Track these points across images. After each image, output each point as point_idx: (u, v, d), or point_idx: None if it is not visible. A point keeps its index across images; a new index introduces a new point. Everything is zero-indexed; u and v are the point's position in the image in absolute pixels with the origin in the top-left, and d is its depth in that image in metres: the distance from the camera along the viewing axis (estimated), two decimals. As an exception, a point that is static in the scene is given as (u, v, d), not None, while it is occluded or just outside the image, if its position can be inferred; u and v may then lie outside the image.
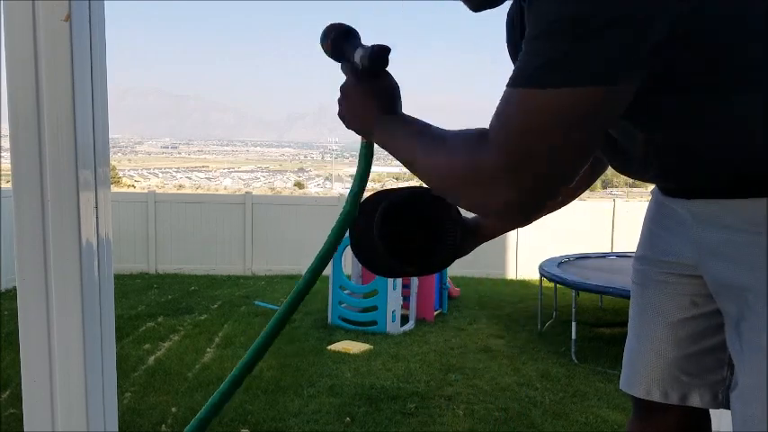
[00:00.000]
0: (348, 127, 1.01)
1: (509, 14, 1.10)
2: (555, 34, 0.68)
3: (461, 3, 0.91)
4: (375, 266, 1.16)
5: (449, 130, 0.85)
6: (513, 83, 0.72)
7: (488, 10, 0.92)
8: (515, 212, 0.79)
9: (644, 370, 1.17)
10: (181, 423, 3.41)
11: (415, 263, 1.13)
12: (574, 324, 4.95)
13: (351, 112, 0.99)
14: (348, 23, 1.00)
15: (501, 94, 0.76)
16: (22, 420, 1.41)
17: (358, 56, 0.94)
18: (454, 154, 0.81)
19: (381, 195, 1.11)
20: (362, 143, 1.02)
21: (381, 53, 0.92)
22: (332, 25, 1.01)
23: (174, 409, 3.61)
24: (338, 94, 1.01)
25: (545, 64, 0.69)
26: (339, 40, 0.99)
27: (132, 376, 4.23)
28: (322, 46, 1.01)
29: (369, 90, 0.96)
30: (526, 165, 0.73)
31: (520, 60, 0.72)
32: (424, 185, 1.02)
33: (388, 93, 0.97)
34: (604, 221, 10.32)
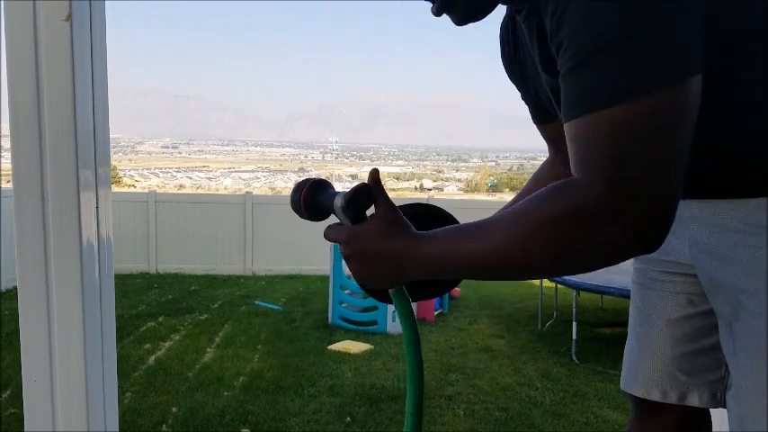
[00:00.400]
0: (378, 284, 0.84)
1: (502, 29, 1.09)
2: (621, 42, 0.65)
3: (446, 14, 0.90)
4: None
5: (500, 212, 0.75)
6: (589, 107, 0.67)
7: (474, 22, 0.91)
8: (652, 242, 0.69)
9: (643, 369, 1.17)
10: (181, 423, 3.41)
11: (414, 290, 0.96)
12: (574, 324, 4.95)
13: (376, 262, 0.81)
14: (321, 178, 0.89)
15: (570, 128, 0.69)
16: (22, 420, 1.41)
17: (339, 204, 0.83)
18: (544, 217, 0.70)
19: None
20: (392, 293, 0.86)
21: (363, 190, 0.82)
22: (298, 184, 0.89)
23: (174, 409, 3.61)
24: (347, 256, 0.84)
25: (624, 75, 0.65)
26: (313, 197, 0.87)
27: (133, 376, 4.23)
28: (296, 211, 0.90)
29: (378, 228, 0.81)
30: (642, 186, 0.67)
31: (585, 81, 0.68)
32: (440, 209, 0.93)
33: (397, 217, 0.82)
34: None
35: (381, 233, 0.81)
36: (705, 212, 0.95)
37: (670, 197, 0.68)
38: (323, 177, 0.92)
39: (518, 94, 1.18)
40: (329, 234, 0.86)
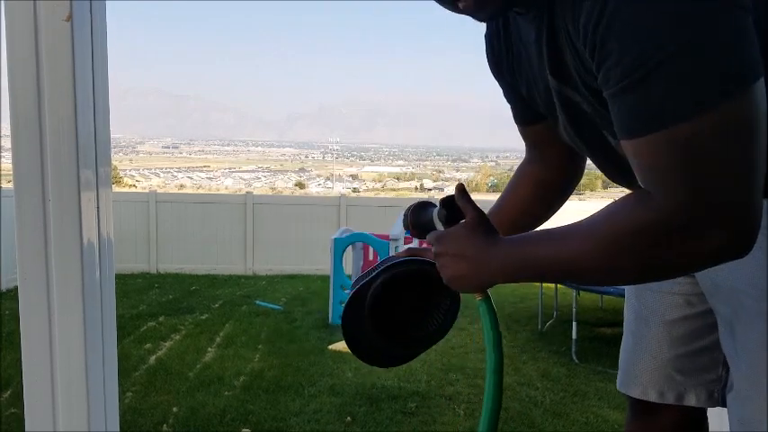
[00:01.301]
0: (461, 285, 0.88)
1: (489, 25, 1.06)
2: (682, 55, 0.62)
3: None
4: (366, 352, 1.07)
5: (578, 222, 0.76)
6: (657, 126, 0.65)
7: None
8: (739, 250, 0.70)
9: (640, 370, 1.17)
10: (182, 423, 3.41)
11: (403, 339, 1.06)
12: (574, 324, 4.94)
13: (457, 263, 0.86)
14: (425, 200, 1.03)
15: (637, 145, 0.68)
16: (23, 420, 1.41)
17: (435, 213, 0.96)
18: (626, 231, 0.71)
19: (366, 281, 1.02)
20: (479, 301, 0.91)
21: (450, 198, 0.92)
22: (406, 208, 1.03)
23: (175, 409, 3.61)
24: (435, 255, 0.90)
25: (688, 89, 0.63)
26: (416, 217, 1.01)
27: (133, 376, 4.23)
28: (408, 231, 1.03)
29: (461, 231, 0.87)
30: (723, 199, 0.66)
31: (648, 98, 0.65)
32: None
33: (481, 223, 0.87)
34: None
35: (463, 236, 0.86)
36: None
37: (752, 205, 0.67)
38: (426, 200, 1.05)
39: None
40: (429, 237, 0.93)
